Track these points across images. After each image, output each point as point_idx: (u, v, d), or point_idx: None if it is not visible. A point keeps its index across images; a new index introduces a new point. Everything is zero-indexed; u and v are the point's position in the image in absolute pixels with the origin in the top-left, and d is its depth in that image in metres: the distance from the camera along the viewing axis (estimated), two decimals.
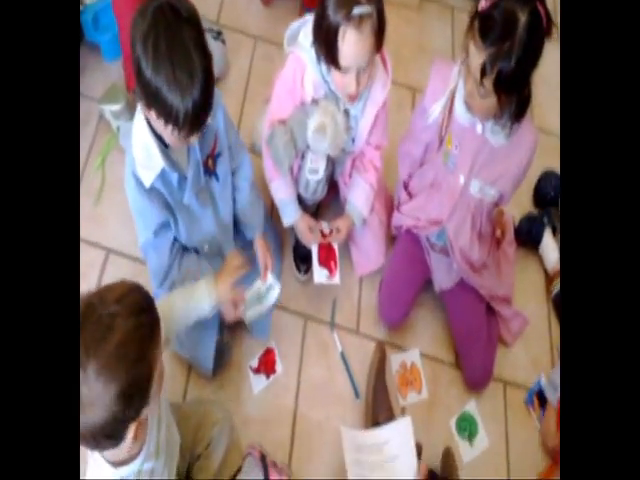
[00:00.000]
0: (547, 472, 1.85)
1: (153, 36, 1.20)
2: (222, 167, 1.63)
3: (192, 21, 1.25)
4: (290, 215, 1.82)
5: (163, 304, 1.35)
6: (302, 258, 2.03)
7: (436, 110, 1.65)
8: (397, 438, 1.27)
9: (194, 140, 1.41)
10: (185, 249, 1.69)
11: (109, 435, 0.99)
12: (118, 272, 1.90)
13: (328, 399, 1.88)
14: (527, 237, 2.19)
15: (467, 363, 1.94)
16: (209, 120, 1.41)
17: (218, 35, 2.28)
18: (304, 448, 1.79)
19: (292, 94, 1.67)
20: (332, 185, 1.95)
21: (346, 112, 1.69)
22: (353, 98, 1.64)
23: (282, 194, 1.81)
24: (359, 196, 1.85)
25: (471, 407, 1.92)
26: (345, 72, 1.54)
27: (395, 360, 1.96)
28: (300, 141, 1.66)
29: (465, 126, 1.62)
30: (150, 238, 1.57)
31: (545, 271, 2.20)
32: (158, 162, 1.42)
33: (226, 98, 1.77)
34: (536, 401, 1.95)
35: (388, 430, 1.27)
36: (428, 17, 2.67)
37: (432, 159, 1.78)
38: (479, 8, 1.37)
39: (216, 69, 2.19)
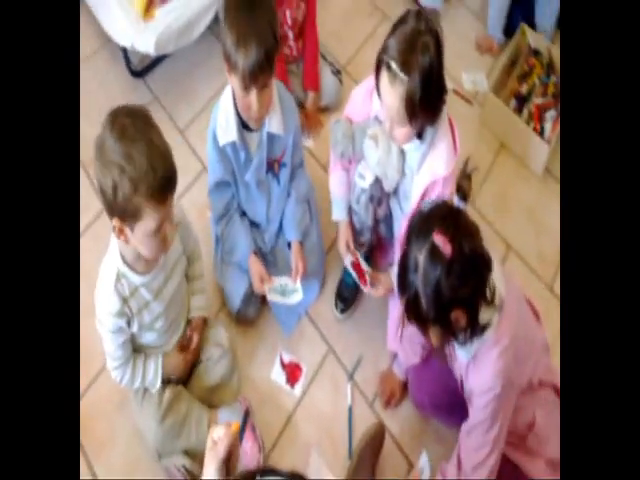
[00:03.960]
0: None
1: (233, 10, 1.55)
2: (284, 176, 1.89)
3: (267, 6, 1.57)
4: (337, 212, 1.90)
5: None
6: (343, 298, 2.06)
7: None
8: None
9: (256, 106, 1.62)
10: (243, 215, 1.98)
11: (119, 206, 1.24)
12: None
13: (323, 430, 1.87)
14: None
15: None
16: (275, 123, 1.73)
17: (337, 72, 2.43)
18: (280, 451, 1.82)
19: (364, 104, 1.73)
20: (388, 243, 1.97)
21: (402, 153, 1.67)
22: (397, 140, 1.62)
23: (334, 188, 1.87)
24: None
25: None
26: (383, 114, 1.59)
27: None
28: (358, 144, 1.72)
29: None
30: (212, 186, 1.89)
31: None
32: (232, 133, 1.73)
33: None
34: None
35: None
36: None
37: None
38: None
39: (327, 98, 2.34)
